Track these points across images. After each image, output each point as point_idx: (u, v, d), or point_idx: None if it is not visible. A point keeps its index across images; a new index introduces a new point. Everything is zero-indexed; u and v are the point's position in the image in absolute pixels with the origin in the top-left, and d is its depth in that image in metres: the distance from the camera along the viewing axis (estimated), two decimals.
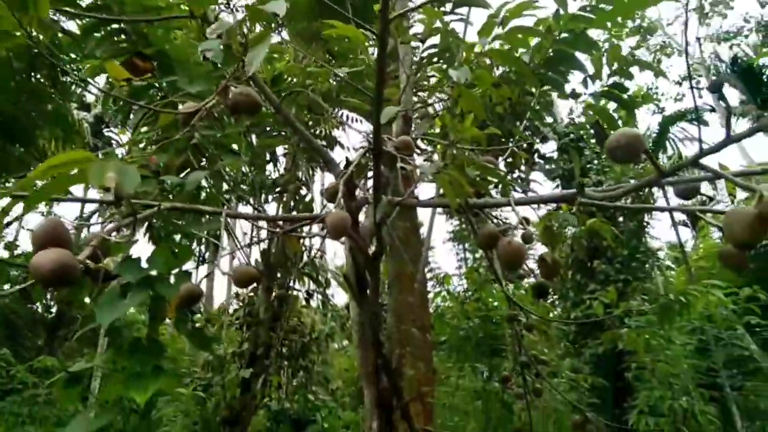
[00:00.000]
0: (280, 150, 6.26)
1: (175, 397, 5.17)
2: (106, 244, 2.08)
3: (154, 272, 2.82)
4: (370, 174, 4.32)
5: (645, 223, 12.25)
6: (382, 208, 3.06)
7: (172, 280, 2.78)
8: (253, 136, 3.95)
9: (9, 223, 2.71)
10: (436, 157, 3.45)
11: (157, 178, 2.93)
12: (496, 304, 7.12)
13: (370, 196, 3.31)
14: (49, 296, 20.29)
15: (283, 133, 4.06)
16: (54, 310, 19.86)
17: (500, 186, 3.38)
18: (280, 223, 4.02)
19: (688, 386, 7.58)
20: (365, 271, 3.35)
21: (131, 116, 4.31)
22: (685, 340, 8.26)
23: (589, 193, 2.24)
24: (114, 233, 2.05)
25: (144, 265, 2.83)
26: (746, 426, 10.09)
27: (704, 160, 1.68)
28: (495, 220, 3.10)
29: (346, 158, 3.96)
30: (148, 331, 2.85)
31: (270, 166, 5.83)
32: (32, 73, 9.46)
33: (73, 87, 11.12)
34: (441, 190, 3.88)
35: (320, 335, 7.35)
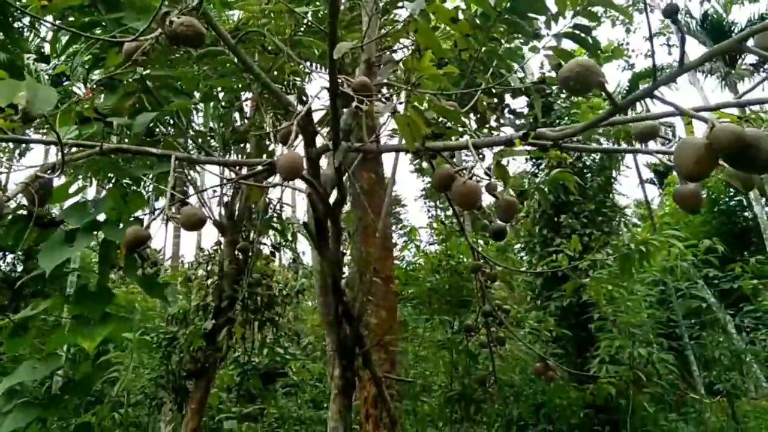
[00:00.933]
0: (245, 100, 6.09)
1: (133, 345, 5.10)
2: (43, 182, 1.97)
3: (101, 217, 2.72)
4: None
5: (612, 179, 12.39)
6: (341, 153, 2.98)
7: (120, 226, 2.69)
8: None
9: None
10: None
11: (102, 120, 2.80)
12: (462, 256, 7.17)
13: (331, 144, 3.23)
14: (12, 255, 19.87)
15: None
16: (19, 268, 19.50)
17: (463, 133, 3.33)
18: (237, 170, 3.92)
19: (649, 336, 7.81)
20: (326, 220, 3.29)
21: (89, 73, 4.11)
22: (647, 291, 8.47)
23: (544, 131, 2.20)
24: (48, 172, 1.94)
25: (91, 210, 2.73)
26: (703, 374, 10.54)
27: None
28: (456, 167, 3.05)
29: (301, 102, 3.85)
30: (98, 278, 2.77)
31: (237, 116, 5.68)
32: None
33: (31, 37, 10.60)
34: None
35: (290, 291, 7.32)
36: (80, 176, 2.71)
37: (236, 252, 5.84)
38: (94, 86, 2.71)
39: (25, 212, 2.74)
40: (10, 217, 2.77)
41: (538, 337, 7.38)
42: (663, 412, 8.79)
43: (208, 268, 5.90)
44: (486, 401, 6.15)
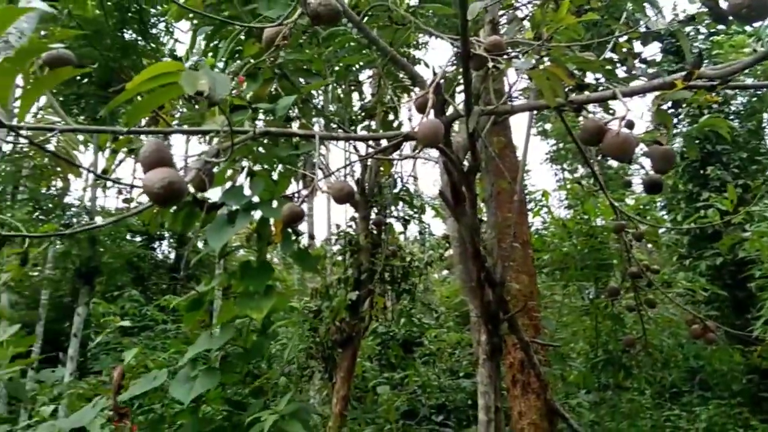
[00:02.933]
0: (364, 79, 6.20)
1: (289, 321, 5.45)
2: (208, 168, 2.15)
3: (256, 199, 2.91)
4: (459, 89, 4.17)
5: (765, 124, 11.14)
6: (475, 117, 2.95)
7: (274, 204, 2.87)
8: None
9: (121, 161, 2.88)
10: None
11: (249, 107, 2.99)
12: (600, 218, 6.83)
13: (461, 110, 3.20)
14: (166, 243, 22.01)
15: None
16: (172, 255, 21.59)
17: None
18: (372, 144, 4.01)
19: None
20: (461, 187, 3.28)
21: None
22: None
23: (704, 71, 2.01)
24: (214, 157, 2.11)
25: (247, 192, 2.94)
26: None
27: None
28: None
29: (433, 71, 3.83)
30: (257, 254, 2.98)
31: (356, 96, 5.81)
32: (123, 29, 9.94)
33: (165, 39, 11.58)
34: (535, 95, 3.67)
35: (419, 263, 7.42)
36: (236, 160, 2.91)
37: (370, 226, 6.03)
38: (243, 75, 2.88)
39: (190, 198, 3.01)
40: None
41: (691, 298, 6.88)
42: None
43: (345, 243, 6.13)
44: (634, 367, 5.86)
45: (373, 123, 5.62)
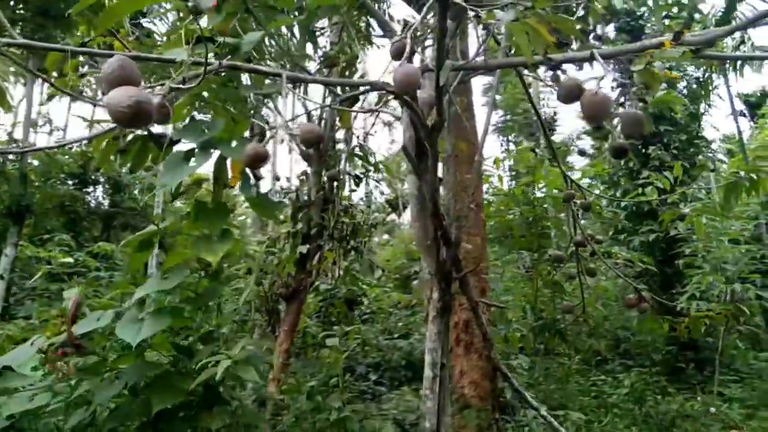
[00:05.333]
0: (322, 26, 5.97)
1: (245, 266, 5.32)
2: (171, 98, 2.01)
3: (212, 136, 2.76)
4: (427, 43, 4.08)
5: (706, 107, 11.60)
6: (447, 71, 2.88)
7: (233, 144, 2.73)
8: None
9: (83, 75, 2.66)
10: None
11: (212, 41, 2.80)
12: (541, 188, 6.96)
13: (430, 64, 3.13)
14: (101, 190, 21.04)
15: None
16: (107, 202, 20.68)
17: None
18: (338, 92, 3.89)
19: (743, 272, 7.45)
20: (426, 143, 3.23)
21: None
22: (742, 226, 8.02)
23: (688, 37, 2.02)
24: (180, 86, 1.96)
25: (206, 130, 2.78)
26: None
27: None
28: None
29: (404, 20, 3.71)
30: (212, 195, 2.85)
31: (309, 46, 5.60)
32: None
33: None
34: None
35: (366, 223, 7.39)
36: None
37: (323, 180, 5.92)
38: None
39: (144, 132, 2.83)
40: (130, 137, 2.87)
41: (630, 271, 7.18)
42: (754, 351, 8.49)
43: (296, 196, 6.00)
44: (568, 333, 6.10)
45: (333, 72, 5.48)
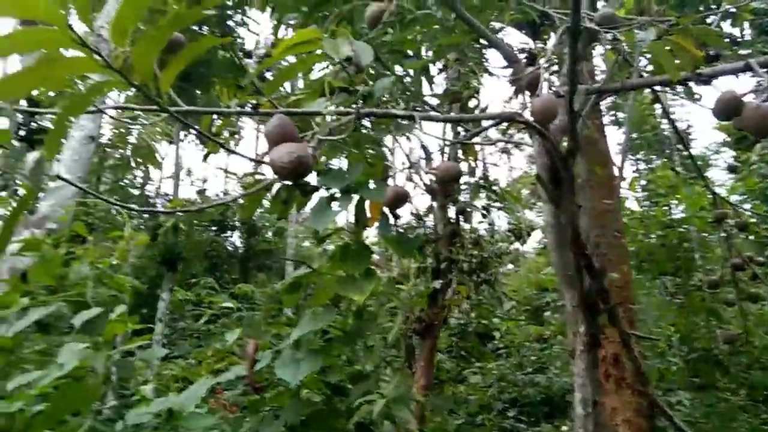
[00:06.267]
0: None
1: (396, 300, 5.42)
2: (321, 149, 2.13)
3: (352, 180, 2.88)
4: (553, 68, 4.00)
5: None
6: (581, 96, 2.81)
7: (371, 187, 2.82)
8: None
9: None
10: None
11: (347, 91, 2.96)
12: (680, 208, 6.45)
13: (560, 90, 3.06)
14: (237, 234, 22.63)
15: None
16: (243, 246, 22.16)
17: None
18: (461, 131, 3.93)
19: None
20: (561, 170, 3.14)
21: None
22: None
23: None
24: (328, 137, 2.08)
25: (346, 175, 2.91)
26: None
27: None
28: None
29: (529, 49, 3.69)
30: (354, 237, 2.95)
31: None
32: (201, 23, 10.20)
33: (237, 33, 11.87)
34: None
35: (494, 254, 7.26)
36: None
37: (449, 214, 5.94)
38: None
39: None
40: (277, 186, 3.07)
41: None
42: None
43: (424, 232, 6.05)
44: (732, 365, 5.52)
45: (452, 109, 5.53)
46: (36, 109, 2.73)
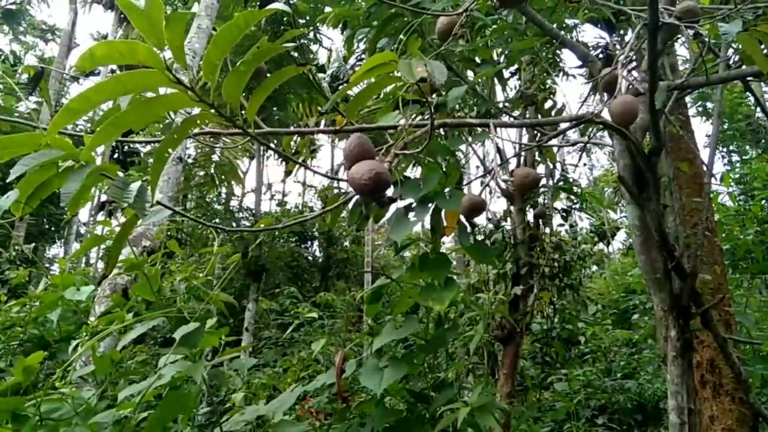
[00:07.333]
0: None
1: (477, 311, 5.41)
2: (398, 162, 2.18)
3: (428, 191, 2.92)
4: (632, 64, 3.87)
5: None
6: (663, 93, 2.71)
7: (447, 196, 2.85)
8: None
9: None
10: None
11: (419, 102, 3.00)
12: None
13: (640, 88, 2.96)
14: (317, 244, 23.19)
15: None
16: (323, 255, 22.67)
17: None
18: (537, 133, 3.86)
19: None
20: (645, 170, 3.04)
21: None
22: None
23: None
24: (404, 151, 2.13)
25: (422, 185, 2.95)
26: None
27: None
28: None
29: (606, 47, 3.60)
30: (432, 246, 2.98)
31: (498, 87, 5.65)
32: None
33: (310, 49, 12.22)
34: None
35: (576, 257, 7.06)
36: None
37: (528, 218, 5.84)
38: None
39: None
40: (354, 199, 3.16)
41: None
42: None
43: (502, 237, 5.99)
44: None
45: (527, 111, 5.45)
46: (135, 139, 2.96)
